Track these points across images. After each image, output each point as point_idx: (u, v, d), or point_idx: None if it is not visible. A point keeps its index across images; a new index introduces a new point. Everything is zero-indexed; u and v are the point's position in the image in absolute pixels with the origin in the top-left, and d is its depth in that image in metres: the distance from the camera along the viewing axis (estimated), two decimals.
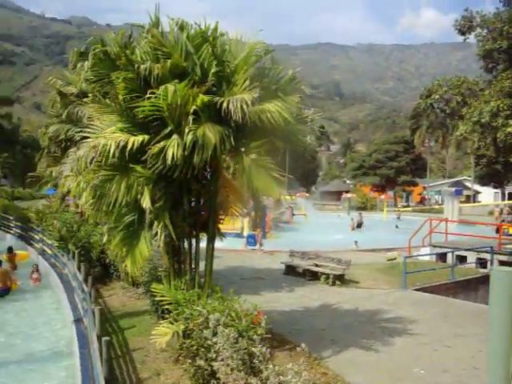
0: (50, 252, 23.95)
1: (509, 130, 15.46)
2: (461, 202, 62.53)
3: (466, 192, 75.62)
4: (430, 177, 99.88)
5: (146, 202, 9.29)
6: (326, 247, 27.14)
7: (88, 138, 10.07)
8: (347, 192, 78.37)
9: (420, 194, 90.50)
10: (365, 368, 10.53)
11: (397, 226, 44.11)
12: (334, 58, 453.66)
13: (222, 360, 7.43)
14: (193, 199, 11.18)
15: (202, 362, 7.79)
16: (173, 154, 8.89)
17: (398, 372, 10.28)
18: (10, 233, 35.62)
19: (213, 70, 9.77)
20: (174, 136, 9.12)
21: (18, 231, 33.56)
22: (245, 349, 7.30)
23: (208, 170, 10.66)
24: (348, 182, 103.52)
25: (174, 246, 11.11)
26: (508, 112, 15.74)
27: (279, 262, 21.94)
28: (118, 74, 9.80)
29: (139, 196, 9.61)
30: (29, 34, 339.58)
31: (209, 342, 7.67)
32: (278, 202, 43.91)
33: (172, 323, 9.96)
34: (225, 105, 9.26)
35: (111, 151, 9.21)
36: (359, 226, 42.27)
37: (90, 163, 9.83)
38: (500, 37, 17.57)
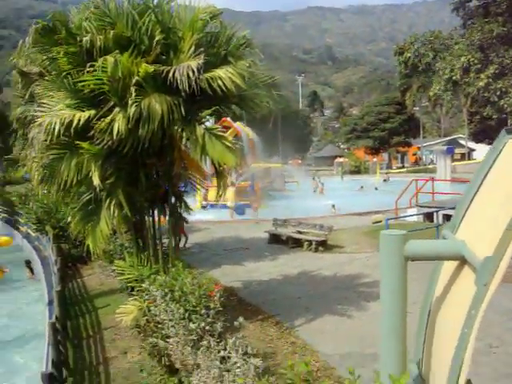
0: (33, 235, 23.73)
1: (480, 84, 15.04)
2: (455, 160, 62.05)
3: (460, 150, 75.01)
4: (426, 136, 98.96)
5: (95, 179, 9.01)
6: (315, 213, 26.90)
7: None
8: (340, 157, 77.83)
9: (415, 155, 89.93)
10: (335, 336, 10.39)
11: (376, 188, 43.71)
12: (324, 21, 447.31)
13: (177, 335, 7.27)
14: (152, 173, 10.90)
15: (154, 340, 7.62)
16: (118, 128, 8.58)
17: (368, 338, 10.07)
18: None
19: (157, 38, 9.36)
20: (117, 109, 8.78)
21: (4, 215, 33.28)
22: (193, 324, 7.10)
23: (164, 141, 10.34)
24: (342, 146, 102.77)
25: (135, 222, 10.87)
26: (479, 66, 15.30)
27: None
28: (58, 48, 9.42)
29: (91, 173, 9.33)
30: (15, 16, 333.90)
31: (158, 319, 7.50)
32: (267, 170, 43.65)
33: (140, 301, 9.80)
34: (171, 74, 8.91)
35: (56, 129, 8.89)
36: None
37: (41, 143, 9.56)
38: None
